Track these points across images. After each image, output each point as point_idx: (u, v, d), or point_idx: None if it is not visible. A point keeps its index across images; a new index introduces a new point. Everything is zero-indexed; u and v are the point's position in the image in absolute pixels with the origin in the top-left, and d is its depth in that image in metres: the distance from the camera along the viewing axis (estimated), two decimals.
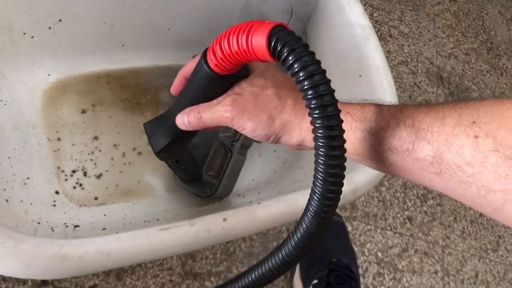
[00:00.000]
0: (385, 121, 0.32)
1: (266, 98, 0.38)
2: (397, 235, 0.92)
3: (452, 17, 1.33)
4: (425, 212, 0.98)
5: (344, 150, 0.30)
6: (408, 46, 1.19)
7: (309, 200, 0.32)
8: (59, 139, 0.66)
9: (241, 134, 0.68)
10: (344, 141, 0.30)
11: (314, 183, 0.31)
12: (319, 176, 0.30)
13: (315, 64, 0.29)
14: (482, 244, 1.01)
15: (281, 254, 0.34)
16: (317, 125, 0.29)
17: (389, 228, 0.91)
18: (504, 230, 1.06)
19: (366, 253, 0.87)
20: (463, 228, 1.01)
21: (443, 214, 1.00)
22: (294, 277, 0.77)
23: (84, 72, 0.72)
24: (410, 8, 1.27)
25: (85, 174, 0.66)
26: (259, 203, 0.52)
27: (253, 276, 0.36)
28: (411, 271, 0.90)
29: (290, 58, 0.30)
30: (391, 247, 0.90)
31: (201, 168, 0.68)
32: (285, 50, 0.30)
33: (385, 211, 0.93)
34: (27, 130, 0.64)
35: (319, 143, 0.30)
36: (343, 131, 0.30)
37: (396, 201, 0.95)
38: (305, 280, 0.74)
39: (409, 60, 1.17)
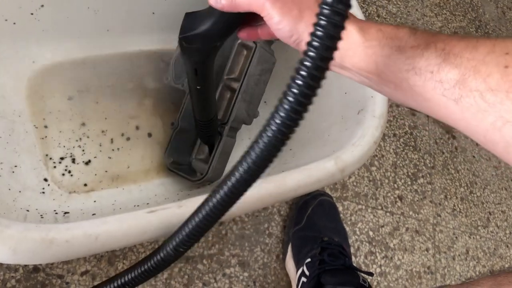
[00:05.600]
0: (416, 41, 0.32)
1: None
2: (388, 214, 0.92)
3: None
4: (415, 190, 0.98)
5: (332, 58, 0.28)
6: None
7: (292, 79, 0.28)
8: (46, 127, 0.66)
9: (229, 116, 0.67)
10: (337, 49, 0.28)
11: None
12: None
13: None
14: (473, 221, 1.02)
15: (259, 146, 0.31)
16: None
17: (380, 207, 0.92)
18: (494, 207, 1.07)
19: (358, 233, 0.88)
20: (454, 205, 1.02)
21: (434, 192, 1.00)
22: (286, 258, 0.78)
23: (70, 58, 0.71)
24: None
25: (73, 161, 0.66)
26: None
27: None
28: (402, 249, 0.91)
29: None
30: (382, 226, 0.91)
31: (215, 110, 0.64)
32: None
33: (376, 190, 0.93)
34: (13, 118, 0.64)
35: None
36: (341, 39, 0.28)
37: (387, 181, 0.96)
38: (298, 260, 0.75)
39: None
